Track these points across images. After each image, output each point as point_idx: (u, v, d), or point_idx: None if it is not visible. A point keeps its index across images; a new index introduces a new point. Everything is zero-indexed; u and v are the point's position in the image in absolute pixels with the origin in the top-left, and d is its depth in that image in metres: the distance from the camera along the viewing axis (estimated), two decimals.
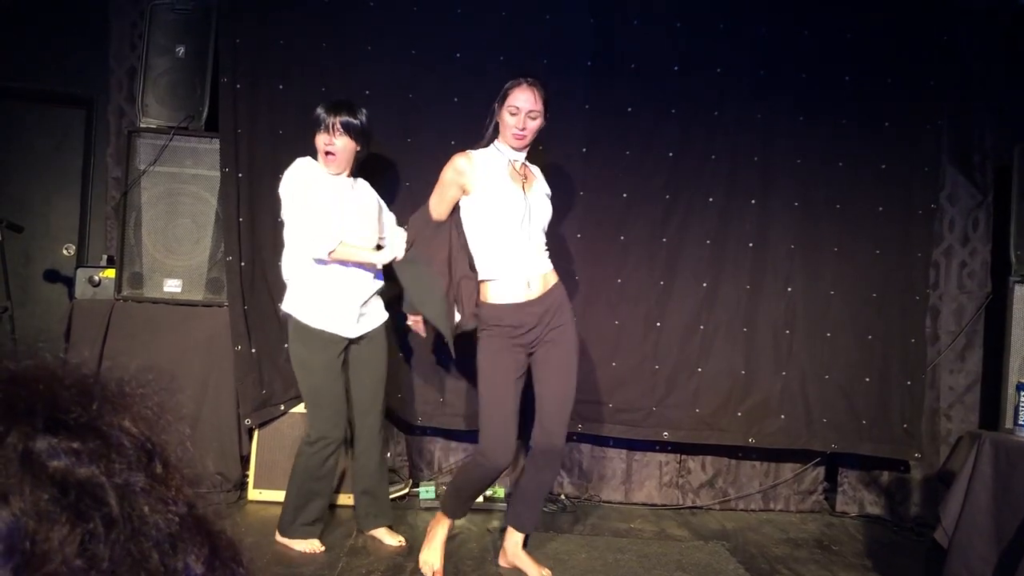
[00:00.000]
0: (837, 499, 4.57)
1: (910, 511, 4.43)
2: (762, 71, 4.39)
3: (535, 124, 3.21)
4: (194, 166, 4.14)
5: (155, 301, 4.08)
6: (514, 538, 3.41)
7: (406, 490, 4.33)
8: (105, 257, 4.27)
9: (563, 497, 4.48)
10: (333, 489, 3.77)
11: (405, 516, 4.08)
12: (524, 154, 3.30)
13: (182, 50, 4.11)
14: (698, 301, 4.40)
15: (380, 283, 3.58)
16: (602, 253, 4.39)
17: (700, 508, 4.53)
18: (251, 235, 4.17)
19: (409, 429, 4.49)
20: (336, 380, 3.47)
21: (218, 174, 4.12)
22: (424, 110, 4.34)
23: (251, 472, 4.10)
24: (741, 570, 3.56)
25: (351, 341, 3.51)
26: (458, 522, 4.04)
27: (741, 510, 4.56)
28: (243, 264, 4.12)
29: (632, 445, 4.54)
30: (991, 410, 4.17)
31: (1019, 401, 3.44)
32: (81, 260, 4.60)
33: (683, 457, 4.59)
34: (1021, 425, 3.41)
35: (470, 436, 4.48)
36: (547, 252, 3.31)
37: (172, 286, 4.10)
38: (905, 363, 4.32)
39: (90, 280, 4.09)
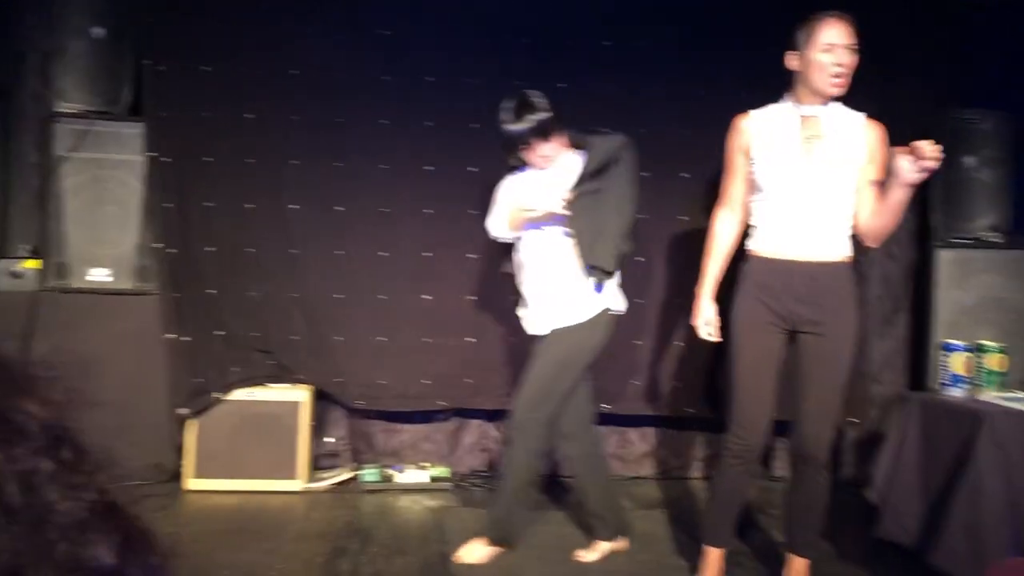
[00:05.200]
0: (774, 464, 4.67)
1: (844, 472, 4.55)
2: (690, 43, 4.42)
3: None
4: (118, 152, 4.02)
5: (82, 291, 3.97)
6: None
7: (349, 474, 4.30)
8: (28, 248, 4.13)
9: None
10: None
11: (349, 500, 4.06)
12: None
13: (100, 32, 3.98)
14: (634, 276, 4.42)
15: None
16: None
17: (642, 478, 4.59)
18: (180, 221, 4.08)
19: (350, 412, 4.46)
20: None
21: (144, 159, 4.01)
22: (354, 89, 4.28)
23: (188, 462, 4.03)
24: (683, 538, 3.62)
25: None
26: (403, 502, 4.05)
27: (682, 478, 4.63)
28: (173, 251, 4.04)
29: None
30: (918, 372, 4.30)
31: (943, 362, 3.57)
32: (1, 252, 4.44)
33: (624, 429, 4.64)
34: (945, 384, 3.54)
35: (411, 417, 4.47)
36: None
37: (100, 275, 3.99)
38: None
39: (12, 273, 3.96)
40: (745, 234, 3.02)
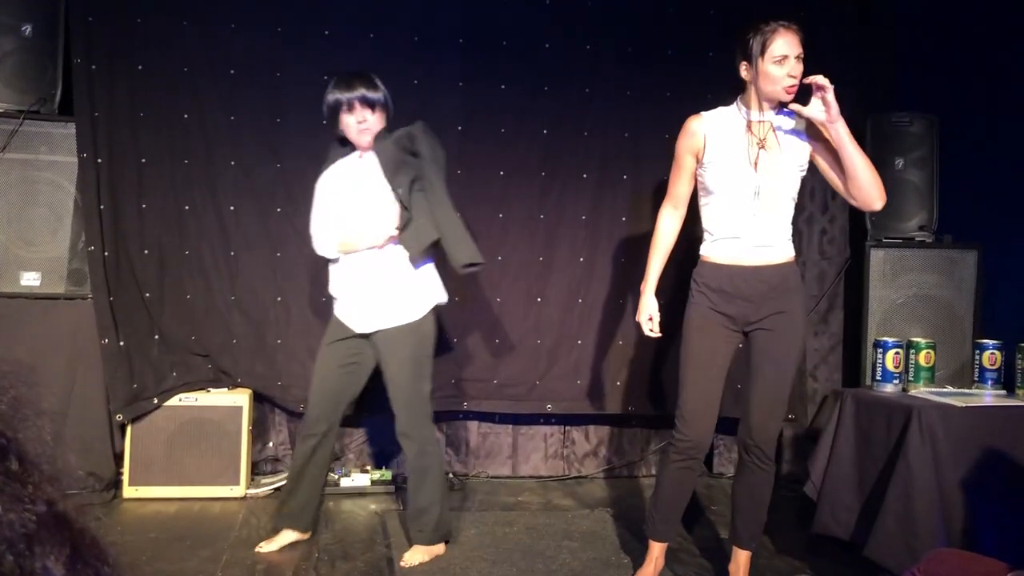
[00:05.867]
0: (714, 461, 4.74)
1: (782, 469, 4.64)
2: (630, 47, 4.47)
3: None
4: (49, 152, 3.91)
5: (12, 296, 3.85)
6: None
7: None
8: None
9: (451, 476, 4.49)
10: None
11: None
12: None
13: (28, 29, 3.86)
14: (576, 275, 4.47)
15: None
16: (483, 230, 4.40)
17: (585, 478, 4.63)
18: (114, 223, 3.98)
19: (291, 417, 4.40)
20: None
21: (75, 160, 3.90)
22: (293, 88, 4.23)
23: (126, 470, 3.94)
24: (627, 535, 3.66)
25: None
26: (346, 506, 4.01)
27: (625, 477, 4.68)
28: (106, 254, 3.94)
29: (517, 420, 4.59)
30: (852, 368, 4.41)
31: (876, 358, 3.67)
32: None
33: (567, 428, 4.67)
34: (879, 381, 3.64)
35: (354, 420, 4.43)
36: None
37: (30, 279, 3.88)
38: None
39: None
40: (696, 239, 3.08)
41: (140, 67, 4.05)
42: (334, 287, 3.39)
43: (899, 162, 4.23)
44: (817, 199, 4.64)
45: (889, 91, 4.64)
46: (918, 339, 3.69)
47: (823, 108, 2.74)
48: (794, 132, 2.93)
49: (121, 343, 3.94)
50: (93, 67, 3.97)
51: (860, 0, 4.66)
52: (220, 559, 3.28)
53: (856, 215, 4.49)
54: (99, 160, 3.94)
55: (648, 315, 3.07)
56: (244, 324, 4.22)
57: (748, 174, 2.88)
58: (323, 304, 4.25)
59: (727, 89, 3.00)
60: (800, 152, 2.92)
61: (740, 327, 2.96)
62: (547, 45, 4.43)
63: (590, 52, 4.45)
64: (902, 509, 3.07)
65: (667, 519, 3.12)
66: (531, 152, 4.43)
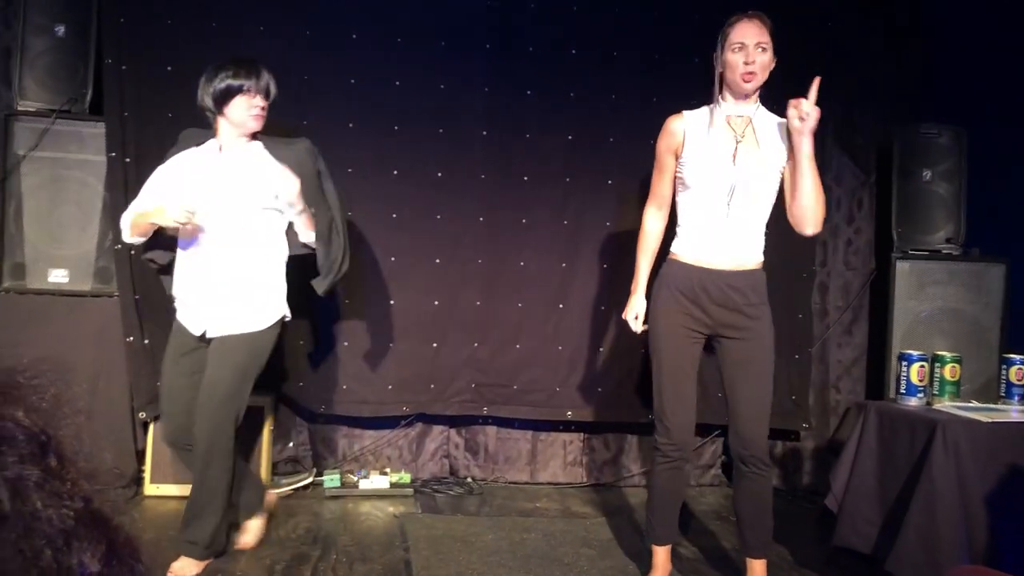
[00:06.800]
0: (732, 472, 4.71)
1: (803, 480, 4.62)
2: (657, 55, 4.46)
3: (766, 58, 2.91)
4: (79, 151, 3.95)
5: (40, 292, 3.90)
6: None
7: (310, 479, 4.27)
8: None
9: (469, 480, 4.50)
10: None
11: (310, 505, 4.03)
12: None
13: (62, 29, 3.91)
14: (599, 282, 4.46)
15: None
16: (505, 236, 4.41)
17: (604, 485, 4.61)
18: None
19: (312, 418, 4.43)
20: None
21: (104, 159, 3.95)
22: (320, 92, 4.26)
23: (147, 467, 3.97)
24: (646, 543, 3.64)
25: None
26: (364, 508, 4.03)
27: (643, 486, 4.66)
28: (132, 252, 3.97)
29: (537, 426, 4.59)
30: (876, 381, 4.37)
31: (900, 371, 3.63)
32: None
33: (587, 435, 4.66)
34: (903, 394, 3.60)
35: (373, 423, 4.45)
36: None
37: (58, 276, 3.92)
38: (793, 338, 4.46)
39: None
40: (669, 234, 3.14)
41: (169, 68, 4.08)
42: (178, 288, 3.24)
43: (926, 174, 4.20)
44: (843, 210, 4.61)
45: (916, 102, 4.61)
46: (943, 352, 3.65)
47: (798, 115, 2.77)
48: (773, 131, 2.97)
49: (146, 341, 3.97)
50: (123, 67, 4.01)
51: (887, 11, 4.63)
52: (239, 558, 3.30)
53: (882, 227, 4.46)
54: (127, 159, 3.98)
55: (635, 314, 3.14)
56: None
57: (726, 167, 2.92)
58: (346, 306, 4.29)
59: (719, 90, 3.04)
60: (778, 151, 2.96)
61: (706, 330, 3.02)
62: (573, 51, 4.44)
63: (617, 59, 4.44)
64: (925, 524, 3.04)
65: (664, 522, 3.16)
66: (555, 158, 4.43)
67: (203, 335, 3.18)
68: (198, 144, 3.31)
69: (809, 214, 2.90)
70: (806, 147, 2.80)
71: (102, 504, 0.54)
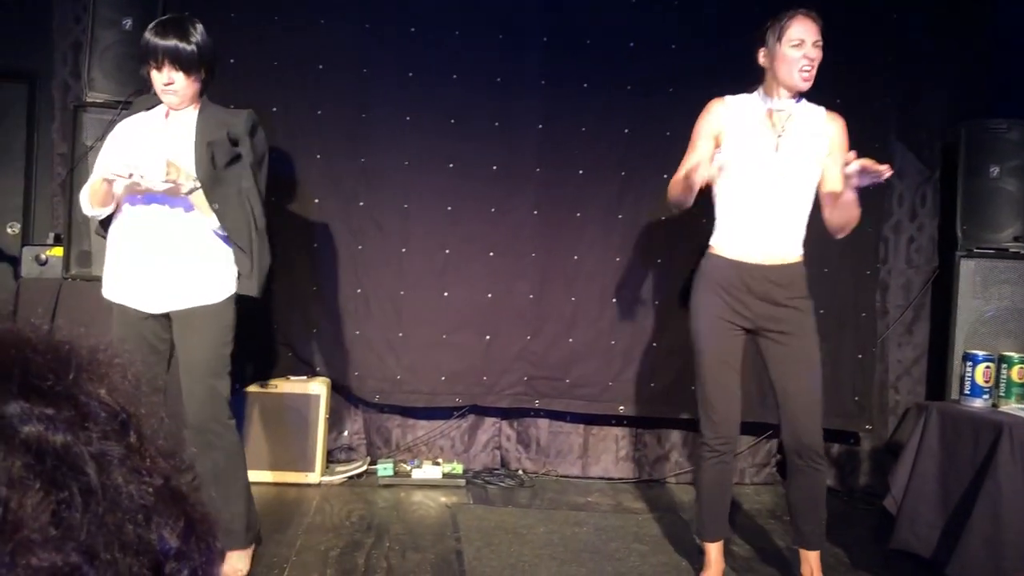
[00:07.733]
0: (788, 467, 4.64)
1: (860, 481, 4.53)
2: (716, 48, 4.41)
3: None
4: None
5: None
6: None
7: (364, 468, 4.32)
8: (52, 235, 4.17)
9: (520, 472, 4.51)
10: None
11: (364, 494, 4.07)
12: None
13: (129, 23, 4.00)
14: (653, 277, 4.43)
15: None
16: (559, 230, 4.40)
17: (656, 481, 4.58)
18: None
19: (366, 407, 4.47)
20: None
21: None
22: (378, 84, 4.29)
23: None
24: (697, 541, 3.61)
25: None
26: (416, 497, 4.06)
27: (693, 483, 4.62)
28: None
29: (589, 420, 4.57)
30: (938, 381, 4.28)
31: (964, 372, 3.54)
32: (27, 239, 4.47)
33: (639, 431, 4.64)
34: (967, 395, 3.51)
35: (426, 413, 4.49)
36: None
37: None
38: (856, 337, 4.39)
39: (36, 259, 3.99)
40: (707, 229, 3.12)
41: (232, 60, 4.14)
42: (116, 263, 2.94)
43: (994, 170, 4.08)
44: (905, 205, 4.51)
45: (982, 96, 4.48)
46: (1011, 353, 3.55)
47: (856, 173, 2.65)
48: (814, 127, 2.94)
49: None
50: None
51: (952, 2, 4.51)
52: (295, 543, 3.35)
53: (946, 224, 4.35)
54: None
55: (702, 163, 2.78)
56: (324, 315, 4.30)
57: (769, 158, 2.89)
58: (401, 297, 4.33)
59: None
60: (818, 146, 2.93)
61: (748, 324, 2.99)
62: (631, 44, 4.41)
63: (675, 51, 4.40)
64: (990, 530, 2.96)
65: (715, 518, 3.15)
66: (611, 152, 4.41)
67: (154, 312, 2.90)
68: (148, 108, 3.00)
69: (841, 230, 2.94)
70: (853, 196, 2.77)
71: (180, 482, 0.56)
